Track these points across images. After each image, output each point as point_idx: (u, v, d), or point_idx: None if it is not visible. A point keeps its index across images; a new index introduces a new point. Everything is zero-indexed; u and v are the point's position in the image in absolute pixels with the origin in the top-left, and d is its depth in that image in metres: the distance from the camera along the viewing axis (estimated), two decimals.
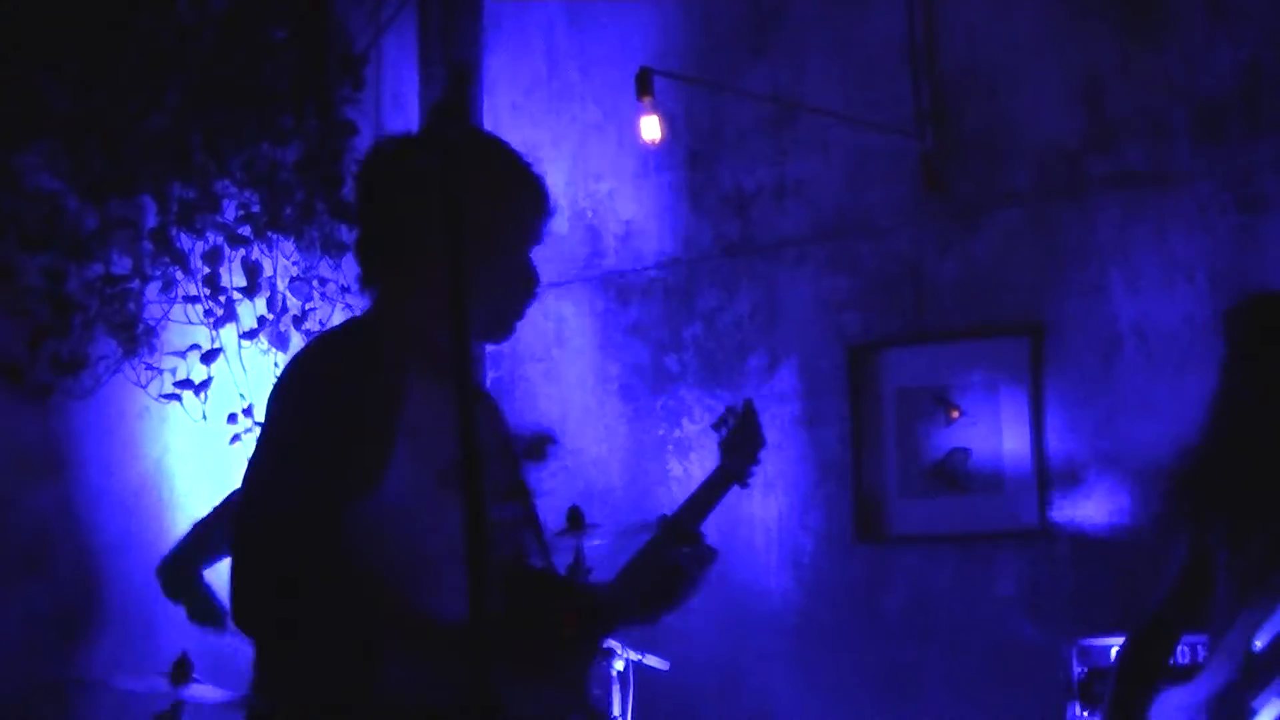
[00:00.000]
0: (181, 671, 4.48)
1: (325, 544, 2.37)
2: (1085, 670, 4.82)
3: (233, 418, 5.83)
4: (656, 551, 3.00)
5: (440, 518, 2.46)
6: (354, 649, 2.40)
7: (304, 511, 2.38)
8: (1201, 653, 4.43)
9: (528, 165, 2.76)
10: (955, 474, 5.65)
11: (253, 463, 2.50)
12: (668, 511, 3.18)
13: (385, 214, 2.66)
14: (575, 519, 4.90)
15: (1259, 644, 3.07)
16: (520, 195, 2.75)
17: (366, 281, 2.72)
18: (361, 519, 2.43)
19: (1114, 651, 4.71)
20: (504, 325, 2.75)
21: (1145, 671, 3.44)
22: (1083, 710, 4.81)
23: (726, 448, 3.38)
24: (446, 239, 2.22)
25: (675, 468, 6.18)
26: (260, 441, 2.54)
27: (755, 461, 3.42)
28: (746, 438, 3.42)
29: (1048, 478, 5.46)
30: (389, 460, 2.44)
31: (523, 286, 2.77)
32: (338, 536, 2.39)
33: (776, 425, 6.01)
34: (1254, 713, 3.03)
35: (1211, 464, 3.38)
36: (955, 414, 5.66)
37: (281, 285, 6.15)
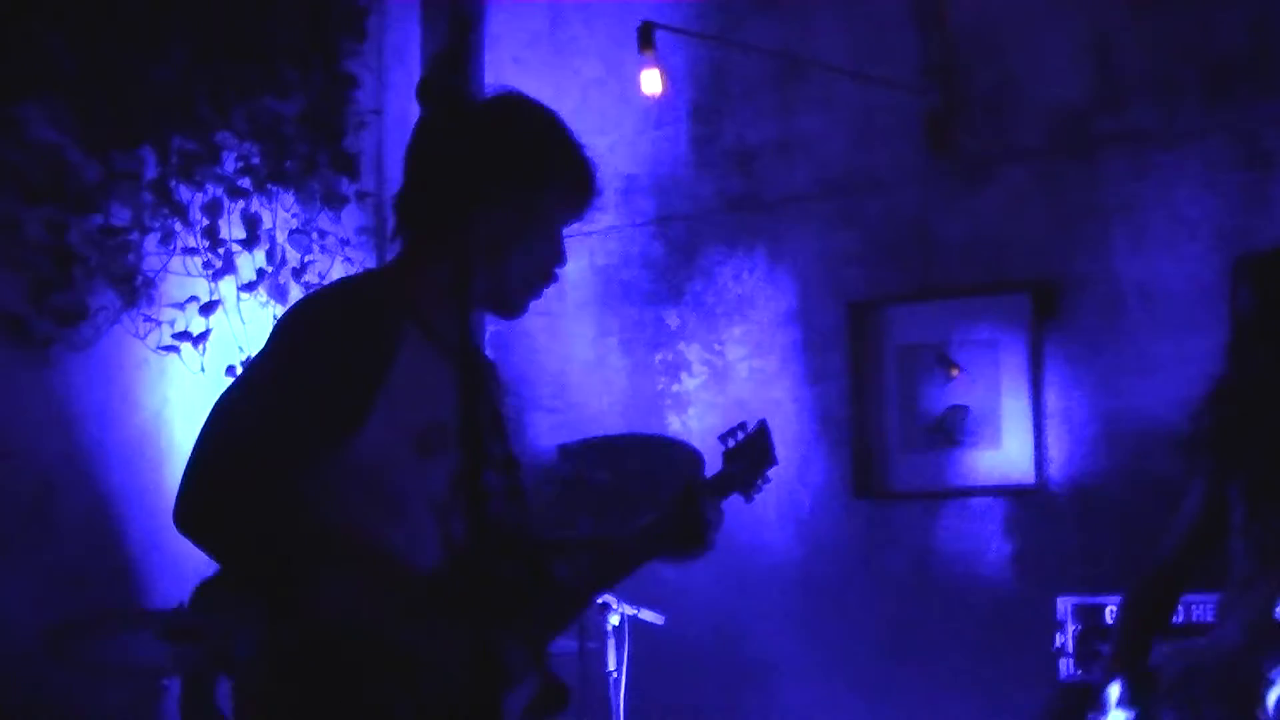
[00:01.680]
0: (180, 622, 4.49)
1: (282, 475, 2.41)
2: (1081, 628, 4.83)
3: (231, 369, 5.82)
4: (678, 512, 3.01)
5: (412, 481, 2.53)
6: (287, 575, 2.44)
7: (269, 439, 2.42)
8: (1197, 612, 4.43)
9: (579, 145, 2.78)
10: (955, 430, 5.64)
11: (233, 385, 2.58)
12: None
13: (437, 170, 2.64)
14: None
15: None
16: (568, 177, 2.75)
17: (398, 232, 2.73)
18: (332, 472, 2.47)
19: (1109, 610, 4.76)
20: (520, 304, 2.77)
21: (1149, 621, 3.43)
22: (1077, 668, 4.82)
23: (730, 458, 3.27)
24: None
25: (674, 422, 6.18)
26: (245, 369, 2.63)
27: (764, 479, 3.32)
28: (756, 457, 3.30)
29: (1047, 435, 5.45)
30: (365, 417, 2.47)
31: (550, 269, 2.77)
32: (295, 475, 2.43)
33: (777, 382, 6.00)
34: (1273, 683, 3.00)
35: (1230, 422, 3.36)
36: (956, 371, 5.64)
37: (281, 238, 6.14)
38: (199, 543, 2.42)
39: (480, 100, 2.76)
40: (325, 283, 6.19)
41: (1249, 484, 3.26)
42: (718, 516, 3.05)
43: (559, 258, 2.77)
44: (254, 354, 2.65)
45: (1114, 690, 3.17)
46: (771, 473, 3.34)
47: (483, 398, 2.68)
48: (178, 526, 2.41)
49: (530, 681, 2.68)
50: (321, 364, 2.48)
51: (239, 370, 5.81)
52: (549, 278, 2.77)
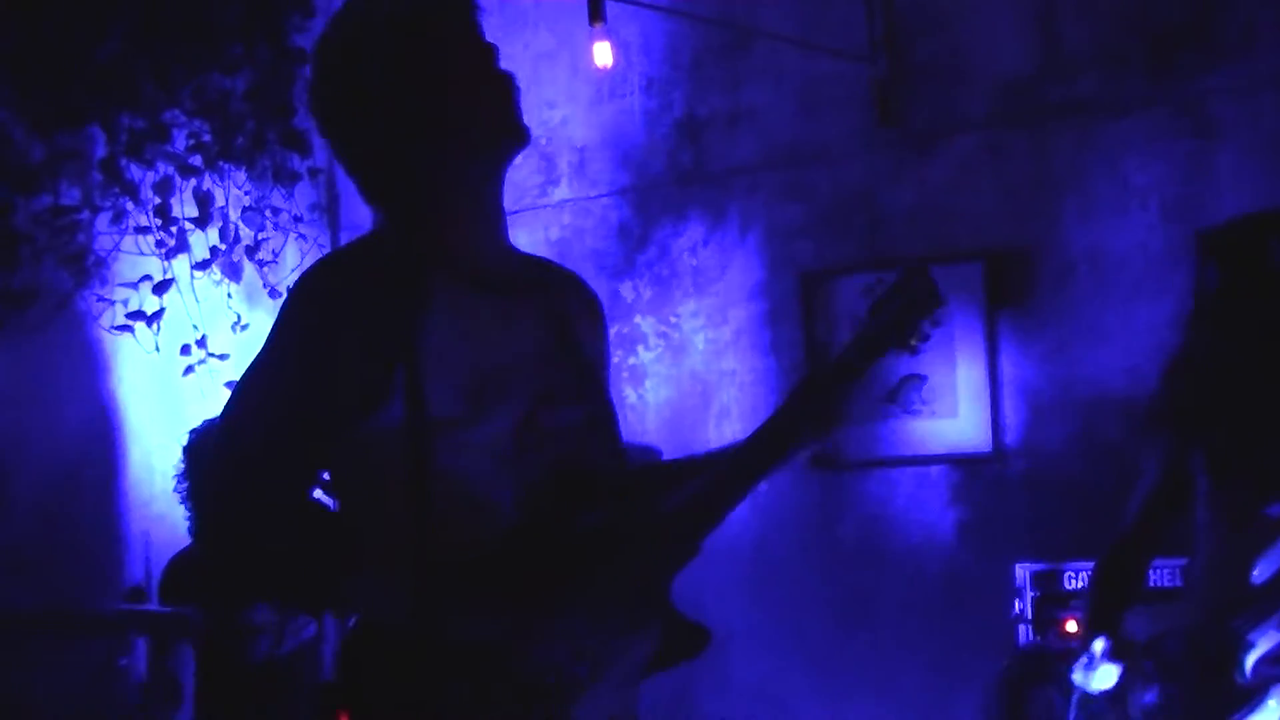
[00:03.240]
0: (136, 602, 4.50)
1: (299, 478, 2.27)
2: (1038, 594, 4.88)
3: (186, 349, 5.80)
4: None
5: (468, 438, 2.30)
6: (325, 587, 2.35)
7: (277, 447, 2.25)
8: (1155, 578, 4.49)
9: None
10: (909, 400, 5.67)
11: (240, 382, 2.34)
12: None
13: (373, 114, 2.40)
14: None
15: (1258, 575, 3.09)
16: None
17: (369, 199, 2.48)
18: (369, 445, 2.28)
19: (1067, 576, 4.81)
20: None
21: (1120, 587, 3.46)
22: (1035, 634, 4.87)
23: (876, 309, 2.73)
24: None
25: (630, 394, 6.19)
26: (252, 363, 2.35)
27: (927, 324, 2.71)
28: (910, 301, 2.72)
29: (1000, 404, 5.50)
30: (389, 389, 2.23)
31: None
32: (314, 469, 2.29)
33: (733, 353, 6.03)
34: (1251, 645, 3.04)
35: (1192, 395, 3.39)
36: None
37: (234, 215, 6.11)
38: (233, 571, 2.36)
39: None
40: (277, 260, 6.23)
41: (1212, 456, 3.29)
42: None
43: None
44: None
45: (1098, 645, 3.20)
46: (940, 315, 2.77)
47: (544, 330, 2.48)
48: (210, 559, 2.32)
49: (650, 630, 2.58)
50: (328, 342, 2.28)
51: (193, 349, 5.81)
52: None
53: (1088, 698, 3.26)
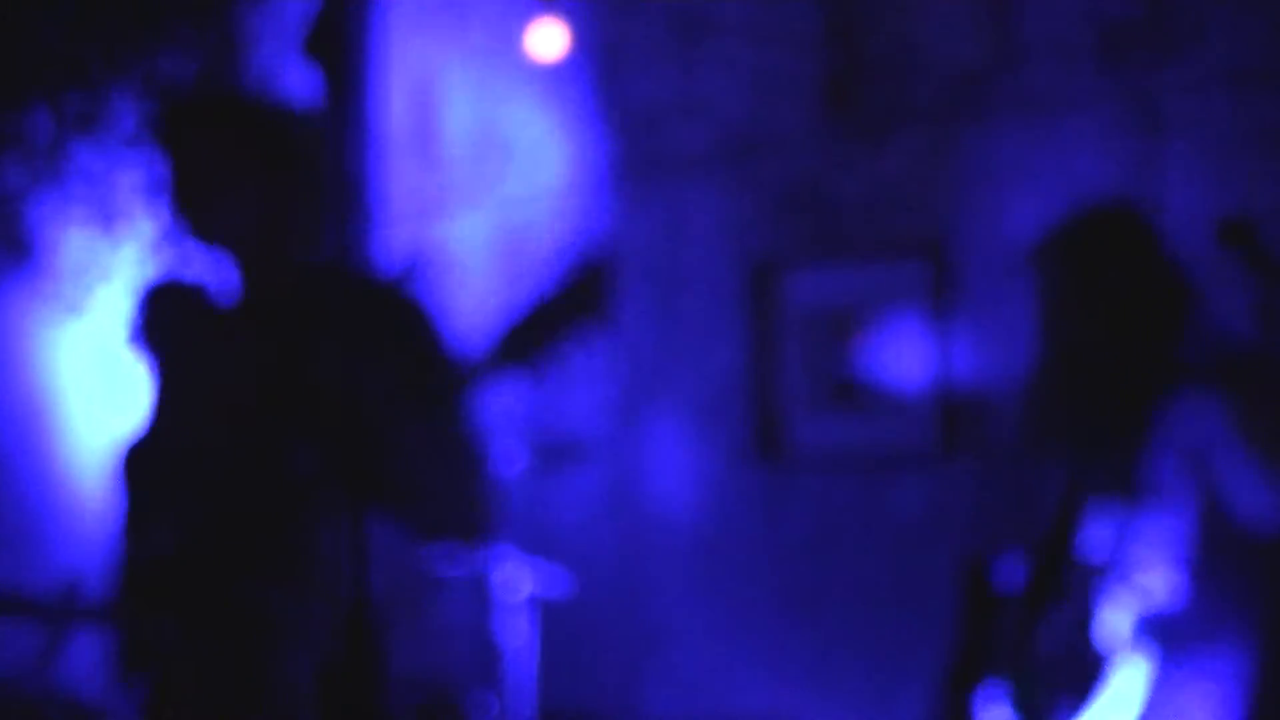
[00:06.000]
0: (72, 595, 4.44)
1: None
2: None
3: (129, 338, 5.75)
4: None
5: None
6: None
7: None
8: None
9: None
10: (857, 395, 5.66)
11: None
12: None
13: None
14: None
15: (1096, 556, 3.14)
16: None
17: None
18: None
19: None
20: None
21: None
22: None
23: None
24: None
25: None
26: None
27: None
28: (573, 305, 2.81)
29: (949, 399, 5.49)
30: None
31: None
32: None
33: (682, 347, 6.01)
34: (1094, 629, 3.08)
35: (1048, 396, 3.43)
36: (858, 334, 5.66)
37: None
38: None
39: None
40: None
41: (1073, 457, 3.33)
42: None
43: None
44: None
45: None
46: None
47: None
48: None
49: None
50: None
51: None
52: None
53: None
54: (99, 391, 5.71)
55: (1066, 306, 3.35)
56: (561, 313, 2.81)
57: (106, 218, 5.76)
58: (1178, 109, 5.07)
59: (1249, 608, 3.20)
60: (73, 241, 5.64)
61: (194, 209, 3.02)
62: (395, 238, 5.89)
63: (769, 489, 5.81)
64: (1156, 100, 5.13)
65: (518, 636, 4.92)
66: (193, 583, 2.73)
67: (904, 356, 5.58)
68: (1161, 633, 3.17)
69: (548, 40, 5.67)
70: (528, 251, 6.33)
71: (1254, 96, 4.89)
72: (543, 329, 2.82)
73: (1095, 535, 3.21)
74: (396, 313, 2.94)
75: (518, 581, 4.89)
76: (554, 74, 6.22)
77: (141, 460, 2.86)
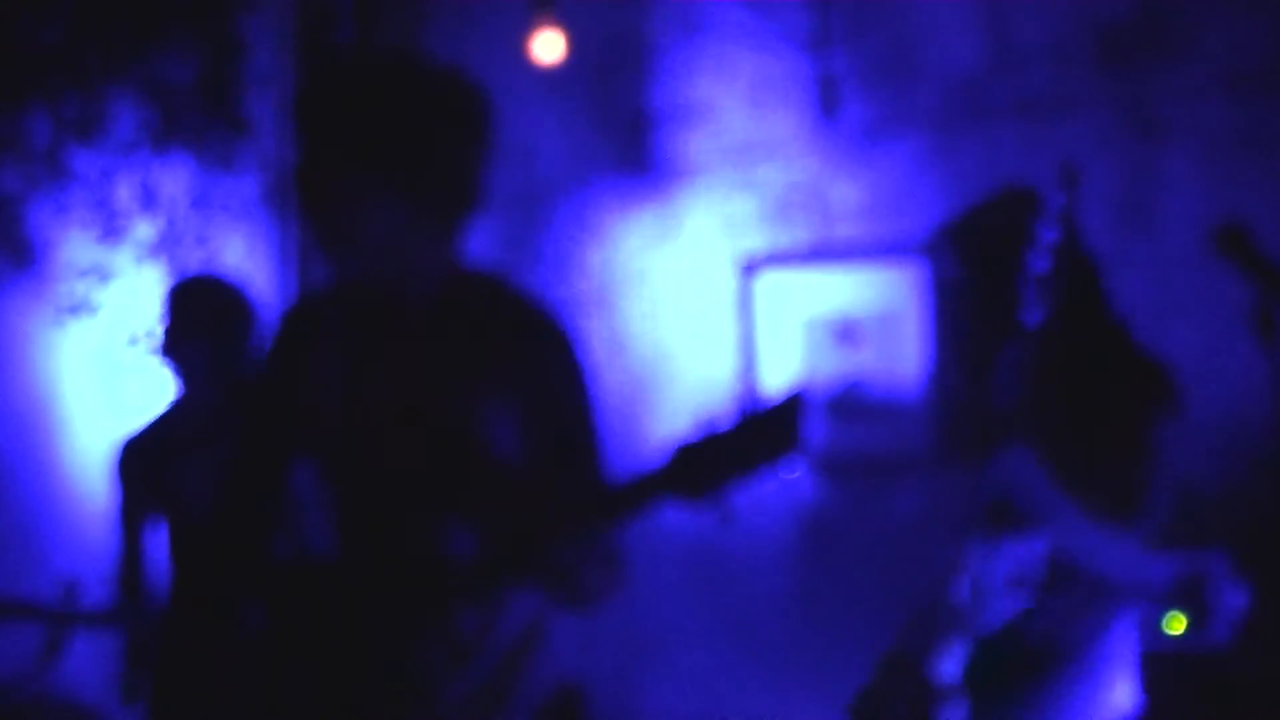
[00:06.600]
0: (71, 597, 4.45)
1: None
2: None
3: (135, 340, 5.75)
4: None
5: None
6: None
7: None
8: None
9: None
10: (854, 399, 5.66)
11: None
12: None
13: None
14: None
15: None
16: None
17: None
18: None
19: None
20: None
21: None
22: None
23: (744, 429, 2.46)
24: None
25: None
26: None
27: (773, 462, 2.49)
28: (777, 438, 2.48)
29: (946, 405, 5.49)
30: None
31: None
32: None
33: (679, 352, 6.01)
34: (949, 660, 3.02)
35: (958, 397, 3.35)
36: (855, 339, 5.67)
37: (179, 206, 6.07)
38: None
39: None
40: (223, 251, 6.17)
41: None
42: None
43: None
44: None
45: None
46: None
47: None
48: None
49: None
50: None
51: (141, 340, 5.74)
52: None
53: None
54: (98, 394, 5.71)
55: (968, 297, 3.19)
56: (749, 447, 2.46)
57: (105, 221, 5.76)
58: (1174, 113, 5.08)
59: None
60: (71, 244, 5.64)
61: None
62: None
63: (769, 490, 5.80)
64: (1153, 105, 5.13)
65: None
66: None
67: (902, 361, 5.59)
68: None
69: (547, 42, 5.67)
70: (522, 250, 6.33)
71: (1250, 100, 4.90)
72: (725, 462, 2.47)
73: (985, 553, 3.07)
74: (544, 340, 2.67)
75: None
76: (554, 76, 6.24)
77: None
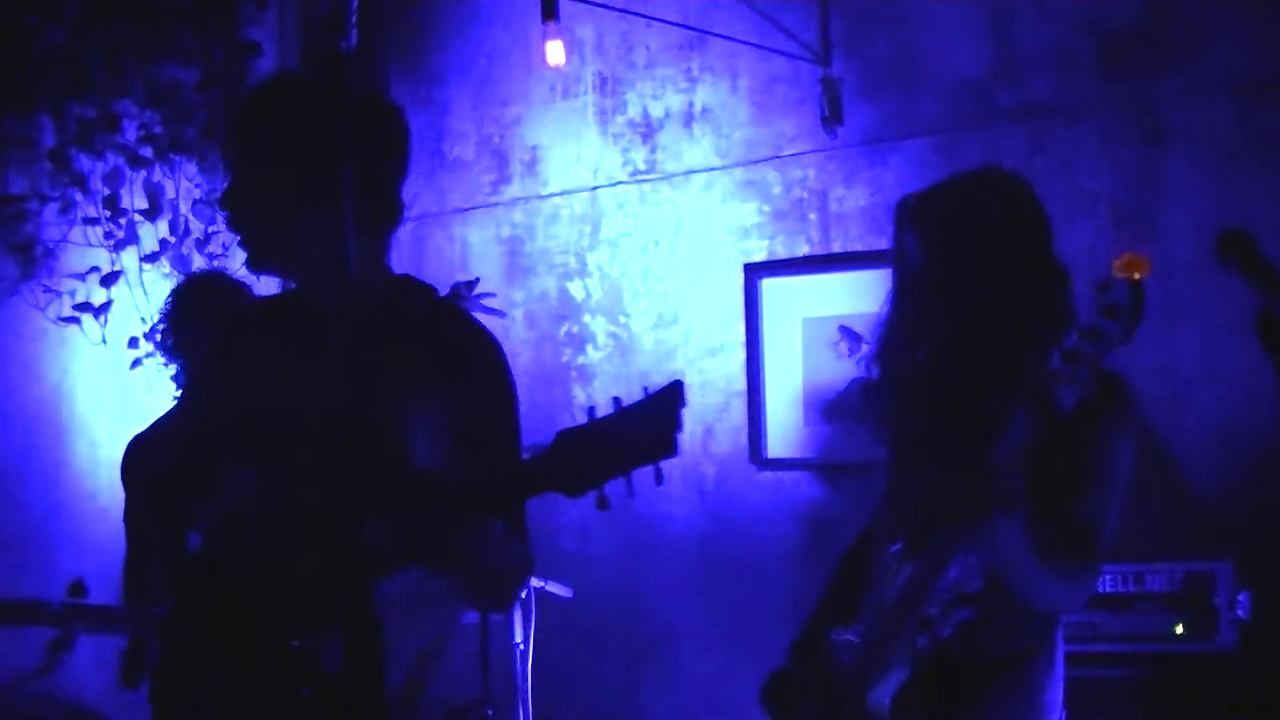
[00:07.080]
0: (77, 594, 4.44)
1: None
2: None
3: (134, 342, 5.77)
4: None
5: None
6: None
7: None
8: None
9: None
10: (857, 402, 5.66)
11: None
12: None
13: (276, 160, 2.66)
14: None
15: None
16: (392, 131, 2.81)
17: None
18: None
19: None
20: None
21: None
22: None
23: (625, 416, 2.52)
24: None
25: (579, 394, 6.18)
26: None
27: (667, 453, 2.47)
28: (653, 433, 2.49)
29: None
30: None
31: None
32: None
33: (681, 353, 6.02)
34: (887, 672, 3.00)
35: (887, 380, 3.31)
36: (859, 342, 5.68)
37: (184, 208, 6.08)
38: None
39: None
40: (227, 254, 6.18)
41: (891, 447, 3.23)
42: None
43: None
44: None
45: None
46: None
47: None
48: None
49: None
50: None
51: (141, 343, 5.76)
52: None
53: None
54: (104, 395, 5.72)
55: (923, 278, 3.05)
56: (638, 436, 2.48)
57: (111, 223, 5.77)
58: (1178, 118, 5.08)
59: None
60: (77, 247, 5.66)
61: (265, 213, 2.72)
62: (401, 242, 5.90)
63: (770, 495, 5.82)
64: (1157, 110, 5.14)
65: (521, 639, 4.93)
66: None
67: None
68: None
69: (551, 48, 5.68)
70: (525, 256, 6.35)
71: (1254, 106, 4.90)
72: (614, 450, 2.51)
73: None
74: (471, 345, 2.89)
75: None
76: (560, 81, 6.26)
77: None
